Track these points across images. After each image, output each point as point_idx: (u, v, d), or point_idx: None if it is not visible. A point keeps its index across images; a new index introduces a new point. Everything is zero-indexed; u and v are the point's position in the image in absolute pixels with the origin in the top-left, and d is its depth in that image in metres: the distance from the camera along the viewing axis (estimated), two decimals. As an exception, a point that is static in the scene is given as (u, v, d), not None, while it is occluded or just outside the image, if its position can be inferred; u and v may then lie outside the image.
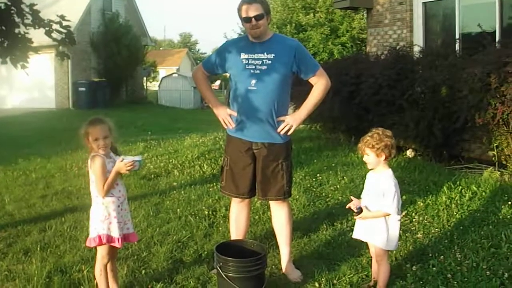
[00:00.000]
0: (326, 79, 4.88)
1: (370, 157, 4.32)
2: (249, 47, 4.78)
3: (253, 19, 4.61)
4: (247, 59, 4.74)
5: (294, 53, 4.74)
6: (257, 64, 4.70)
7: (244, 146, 4.81)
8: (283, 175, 4.81)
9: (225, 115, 4.86)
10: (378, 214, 4.28)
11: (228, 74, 5.01)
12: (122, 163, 4.14)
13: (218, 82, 61.31)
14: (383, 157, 4.27)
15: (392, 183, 4.27)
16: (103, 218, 4.19)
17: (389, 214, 4.26)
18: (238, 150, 4.85)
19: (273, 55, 4.70)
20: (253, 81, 4.68)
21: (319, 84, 4.85)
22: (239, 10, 4.71)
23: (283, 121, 4.73)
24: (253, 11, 4.61)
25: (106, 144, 4.22)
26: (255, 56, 4.72)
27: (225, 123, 4.87)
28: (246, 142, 4.80)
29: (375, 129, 4.39)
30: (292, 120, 4.76)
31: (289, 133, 4.78)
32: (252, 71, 4.70)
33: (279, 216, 4.97)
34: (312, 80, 4.87)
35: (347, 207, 4.54)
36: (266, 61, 4.69)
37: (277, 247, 5.06)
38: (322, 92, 4.84)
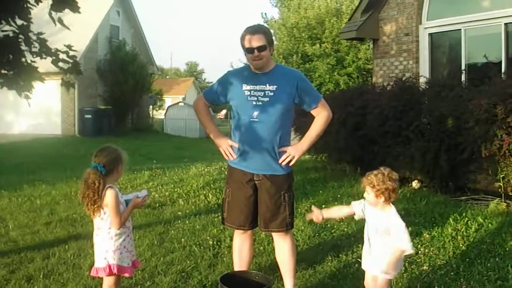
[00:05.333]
0: (328, 110, 4.87)
1: (369, 195, 4.26)
2: (252, 78, 4.75)
3: (255, 50, 4.59)
4: (250, 90, 4.71)
5: (297, 84, 4.72)
6: (259, 96, 4.67)
7: (245, 177, 4.79)
8: (285, 207, 4.78)
9: (226, 146, 4.84)
10: (398, 254, 4.17)
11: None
12: (139, 200, 4.26)
13: (224, 112, 61.52)
14: (382, 199, 4.21)
15: (400, 219, 4.21)
16: (115, 248, 4.18)
17: (405, 251, 4.18)
18: (240, 181, 4.82)
19: (275, 86, 4.67)
20: (256, 113, 4.66)
21: (321, 115, 4.84)
22: (242, 39, 4.69)
23: (285, 151, 4.72)
24: (256, 41, 4.59)
25: None
26: (258, 87, 4.69)
27: (226, 154, 4.86)
28: (247, 173, 4.78)
29: (383, 168, 4.29)
30: (294, 151, 4.74)
31: (291, 164, 4.76)
32: (254, 102, 4.68)
33: (283, 248, 4.94)
34: (314, 111, 4.85)
35: (308, 218, 4.66)
36: (268, 93, 4.67)
37: (282, 278, 5.02)
38: (324, 123, 4.83)
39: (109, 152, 4.24)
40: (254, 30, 4.65)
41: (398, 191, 4.24)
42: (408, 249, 4.15)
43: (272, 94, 4.66)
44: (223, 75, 5.05)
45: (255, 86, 4.70)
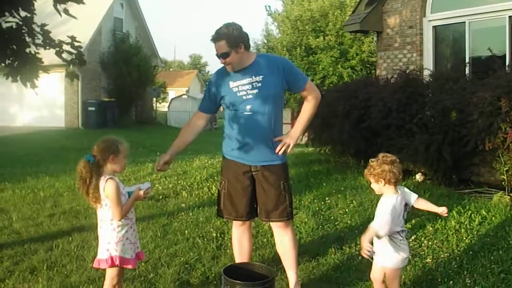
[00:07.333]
0: (316, 91, 4.90)
1: (372, 184, 4.31)
2: (236, 75, 4.75)
3: (220, 58, 4.65)
4: (237, 86, 4.73)
5: (282, 69, 4.74)
6: (247, 89, 4.69)
7: (242, 169, 4.80)
8: (285, 196, 4.80)
9: (159, 158, 5.00)
10: (370, 233, 4.16)
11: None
12: (142, 192, 4.25)
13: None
14: (382, 183, 4.22)
15: (384, 207, 4.21)
16: (117, 240, 4.17)
17: (377, 233, 4.14)
18: (237, 173, 4.83)
19: (261, 76, 4.69)
20: (248, 106, 4.68)
21: (310, 97, 4.85)
22: None
23: (280, 141, 4.72)
24: (217, 49, 4.62)
25: (126, 163, 4.36)
26: (244, 81, 4.71)
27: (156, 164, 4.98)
28: (245, 165, 4.80)
29: (380, 154, 4.33)
30: (289, 139, 4.73)
31: (288, 151, 4.76)
32: (244, 97, 4.70)
33: (284, 240, 4.94)
34: (303, 93, 4.88)
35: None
36: (256, 84, 4.68)
37: (285, 270, 5.02)
38: (314, 106, 4.85)
39: (102, 142, 4.24)
40: (214, 38, 4.64)
41: (398, 171, 4.22)
42: (375, 228, 4.15)
43: (259, 84, 4.68)
44: (209, 80, 5.10)
45: (241, 81, 4.72)
